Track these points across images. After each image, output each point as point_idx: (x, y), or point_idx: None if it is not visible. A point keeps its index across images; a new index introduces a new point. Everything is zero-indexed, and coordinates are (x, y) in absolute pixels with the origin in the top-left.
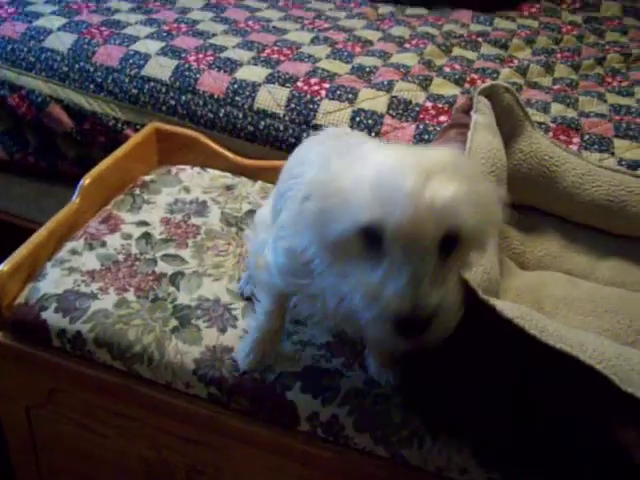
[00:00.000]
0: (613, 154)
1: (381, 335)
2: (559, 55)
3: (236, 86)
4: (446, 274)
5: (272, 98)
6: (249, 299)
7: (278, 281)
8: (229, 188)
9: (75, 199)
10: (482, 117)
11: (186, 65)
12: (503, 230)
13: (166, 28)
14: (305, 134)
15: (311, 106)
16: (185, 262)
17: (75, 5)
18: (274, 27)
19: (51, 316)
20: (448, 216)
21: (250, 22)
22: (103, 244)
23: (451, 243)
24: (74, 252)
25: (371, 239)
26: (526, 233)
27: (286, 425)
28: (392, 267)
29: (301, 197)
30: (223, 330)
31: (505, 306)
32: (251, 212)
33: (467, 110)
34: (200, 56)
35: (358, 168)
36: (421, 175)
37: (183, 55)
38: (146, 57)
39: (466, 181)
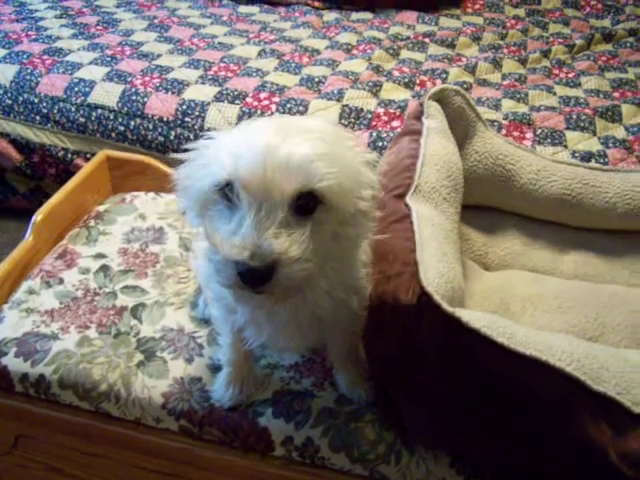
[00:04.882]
0: (566, 147)
1: (227, 282)
2: (506, 50)
3: (185, 107)
4: (298, 230)
5: (222, 117)
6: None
7: (216, 311)
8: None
9: (28, 237)
10: (434, 122)
11: (133, 89)
12: (464, 232)
13: (110, 52)
14: None
15: None
16: (146, 292)
17: (14, 35)
18: (220, 43)
19: (12, 361)
20: (301, 173)
21: (195, 40)
22: (60, 281)
23: (310, 202)
24: (31, 292)
25: (228, 194)
26: (487, 234)
27: (261, 452)
28: (241, 217)
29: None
30: (190, 360)
31: (471, 316)
32: None
33: (418, 116)
34: (146, 79)
35: (226, 134)
36: (278, 134)
37: (129, 79)
38: (91, 84)
39: (328, 144)
